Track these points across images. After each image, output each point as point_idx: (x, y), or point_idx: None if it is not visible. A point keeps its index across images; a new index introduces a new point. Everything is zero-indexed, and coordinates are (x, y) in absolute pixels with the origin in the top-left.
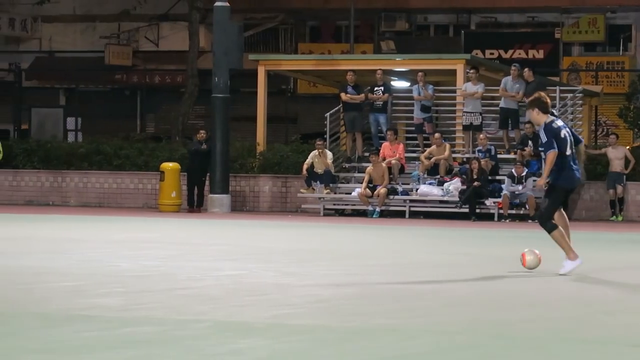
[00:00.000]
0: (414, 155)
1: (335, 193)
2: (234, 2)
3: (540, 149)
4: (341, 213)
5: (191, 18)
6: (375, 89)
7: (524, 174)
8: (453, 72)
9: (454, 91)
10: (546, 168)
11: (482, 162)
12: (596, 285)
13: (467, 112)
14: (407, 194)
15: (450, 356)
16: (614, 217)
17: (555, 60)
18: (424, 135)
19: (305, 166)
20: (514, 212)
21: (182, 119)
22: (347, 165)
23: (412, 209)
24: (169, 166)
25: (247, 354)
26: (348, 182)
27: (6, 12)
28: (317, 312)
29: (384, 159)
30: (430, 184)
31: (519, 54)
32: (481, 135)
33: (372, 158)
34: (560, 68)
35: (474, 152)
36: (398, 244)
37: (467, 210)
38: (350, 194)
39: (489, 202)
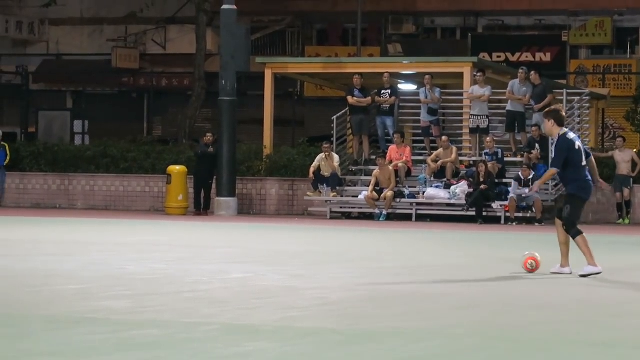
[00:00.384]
0: (421, 158)
1: (342, 196)
2: (241, 5)
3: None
4: (348, 216)
5: (198, 21)
6: (382, 92)
7: (530, 177)
8: (460, 75)
9: (461, 94)
10: (542, 179)
11: (489, 165)
12: (603, 288)
13: (474, 115)
14: (414, 197)
15: (459, 359)
16: (621, 220)
17: (562, 63)
18: (430, 138)
19: (312, 169)
20: (520, 215)
21: (189, 122)
22: (353, 168)
23: (419, 212)
24: (175, 169)
25: (255, 356)
26: (355, 185)
27: (14, 15)
28: (324, 314)
29: (391, 162)
30: (437, 187)
31: (526, 57)
32: (488, 138)
33: (379, 161)
34: (567, 71)
35: (480, 155)
36: (405, 247)
37: (473, 213)
38: (357, 197)
39: (495, 205)
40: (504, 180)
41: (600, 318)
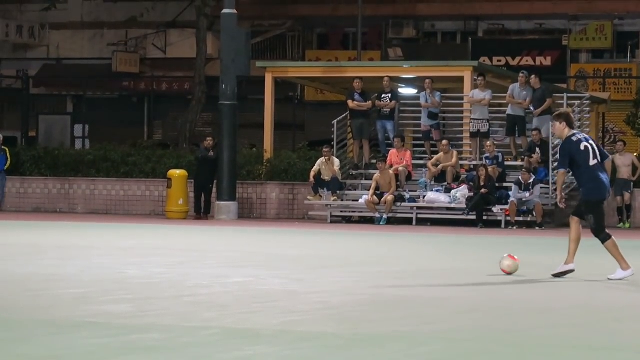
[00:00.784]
0: (421, 162)
1: (342, 200)
2: (242, 9)
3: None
4: (348, 220)
5: (199, 25)
6: (383, 96)
7: (531, 181)
8: (460, 79)
9: (462, 98)
10: (558, 186)
11: (490, 169)
12: (605, 292)
13: (474, 119)
14: (414, 201)
15: None
16: (622, 224)
17: (562, 67)
18: (431, 142)
19: (312, 173)
20: (521, 219)
21: (189, 126)
22: (354, 172)
23: (419, 216)
24: (176, 173)
25: None
26: (355, 189)
27: (14, 19)
28: (325, 319)
29: (391, 166)
30: (437, 191)
31: (527, 61)
32: (488, 142)
33: (379, 165)
34: (567, 75)
35: (481, 159)
36: (405, 251)
37: (474, 217)
38: (358, 201)
39: (496, 209)
40: (505, 184)
41: (602, 322)
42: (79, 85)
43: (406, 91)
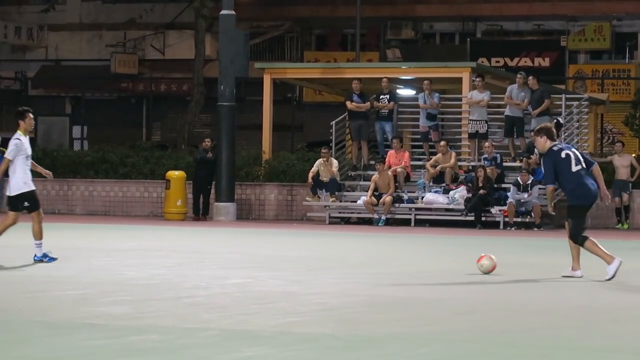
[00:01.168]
0: (420, 163)
1: (340, 201)
2: (240, 11)
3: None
4: (347, 221)
5: (197, 26)
6: (381, 97)
7: (529, 182)
8: (459, 80)
9: (460, 99)
10: (548, 201)
11: (488, 170)
12: (603, 293)
13: (472, 120)
14: (413, 202)
15: None
16: (620, 225)
17: (561, 68)
18: (429, 143)
19: (310, 174)
20: (519, 220)
21: (188, 127)
22: (352, 173)
23: (418, 217)
24: (174, 174)
25: None
26: (354, 190)
27: (13, 20)
28: (323, 320)
29: (390, 167)
30: (435, 192)
31: (525, 62)
32: (487, 143)
33: (378, 166)
34: (566, 76)
35: (479, 160)
36: (404, 252)
37: (472, 218)
38: (356, 202)
39: (494, 210)
40: (503, 185)
41: (601, 324)
42: (78, 87)
43: (405, 92)
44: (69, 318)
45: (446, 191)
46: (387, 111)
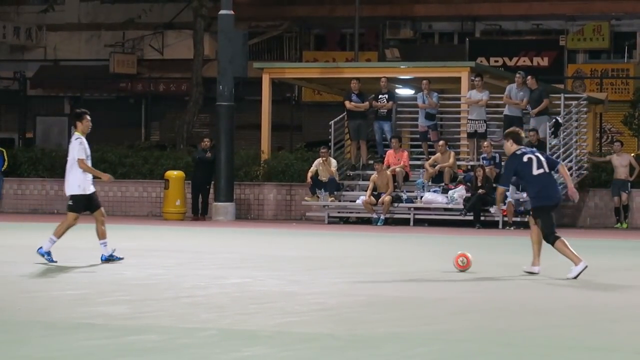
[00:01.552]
0: (419, 162)
1: (339, 201)
2: (239, 10)
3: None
4: (345, 221)
5: (196, 26)
6: (380, 96)
7: None
8: (458, 80)
9: (459, 99)
10: (497, 201)
11: (487, 169)
12: (601, 292)
13: (471, 120)
14: (412, 202)
15: None
16: (619, 224)
17: (560, 67)
18: (428, 142)
19: (309, 174)
20: (518, 219)
21: (186, 127)
22: (351, 173)
23: (417, 216)
24: (173, 174)
25: None
26: (352, 190)
27: (11, 20)
28: (322, 320)
29: (389, 167)
30: (434, 191)
31: (524, 61)
32: (485, 143)
33: (377, 166)
34: (565, 75)
35: (478, 160)
36: (403, 251)
37: (471, 217)
38: (355, 201)
39: (493, 209)
40: None
41: (599, 323)
42: (76, 87)
43: (403, 92)
44: (67, 318)
45: (445, 191)
46: (385, 111)
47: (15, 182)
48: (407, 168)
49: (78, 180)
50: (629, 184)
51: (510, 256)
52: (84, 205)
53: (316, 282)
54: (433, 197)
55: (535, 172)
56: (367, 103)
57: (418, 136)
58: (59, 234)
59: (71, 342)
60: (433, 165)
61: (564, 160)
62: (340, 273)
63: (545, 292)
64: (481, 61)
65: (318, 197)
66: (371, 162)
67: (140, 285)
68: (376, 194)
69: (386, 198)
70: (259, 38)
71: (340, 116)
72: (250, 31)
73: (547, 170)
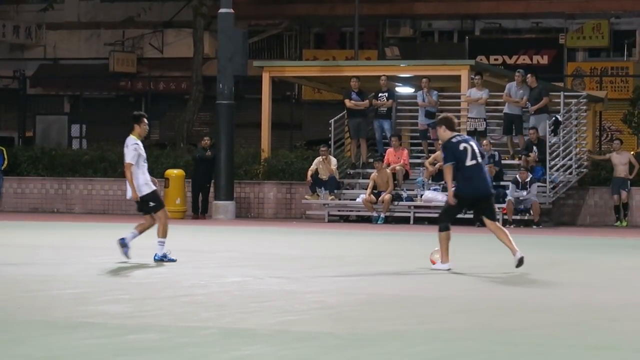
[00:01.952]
0: (419, 161)
1: (339, 199)
2: (239, 9)
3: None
4: (346, 219)
5: (196, 25)
6: (380, 95)
7: (528, 179)
8: (457, 78)
9: (459, 97)
10: (447, 182)
11: (486, 167)
12: (601, 291)
13: (471, 118)
14: (412, 200)
15: None
16: (619, 222)
17: (559, 65)
18: (428, 141)
19: (309, 172)
20: (518, 217)
21: (186, 126)
22: (351, 171)
23: (417, 215)
24: (173, 173)
25: None
26: (352, 189)
27: (11, 19)
28: (322, 318)
29: (389, 165)
30: (434, 189)
31: (524, 59)
32: (485, 141)
33: (377, 164)
34: (564, 74)
35: None
36: (403, 250)
37: (471, 216)
38: (355, 200)
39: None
40: (502, 183)
41: (599, 322)
42: (76, 86)
43: (403, 90)
44: (67, 317)
45: (445, 189)
46: (385, 109)
47: (15, 181)
48: (407, 166)
49: (141, 180)
50: (629, 182)
51: (510, 254)
52: (156, 197)
53: (316, 281)
54: (433, 196)
55: (469, 162)
56: (367, 101)
57: (418, 134)
58: (163, 234)
59: (71, 341)
60: (433, 164)
61: (564, 158)
62: (340, 271)
63: (544, 290)
64: (481, 59)
65: (318, 195)
66: (371, 160)
67: (139, 284)
68: (376, 192)
69: (386, 196)
70: (258, 36)
71: (340, 115)
72: (250, 30)
73: (479, 161)
